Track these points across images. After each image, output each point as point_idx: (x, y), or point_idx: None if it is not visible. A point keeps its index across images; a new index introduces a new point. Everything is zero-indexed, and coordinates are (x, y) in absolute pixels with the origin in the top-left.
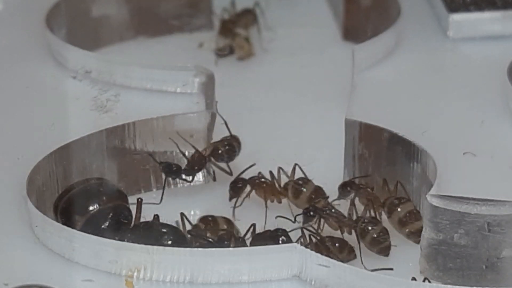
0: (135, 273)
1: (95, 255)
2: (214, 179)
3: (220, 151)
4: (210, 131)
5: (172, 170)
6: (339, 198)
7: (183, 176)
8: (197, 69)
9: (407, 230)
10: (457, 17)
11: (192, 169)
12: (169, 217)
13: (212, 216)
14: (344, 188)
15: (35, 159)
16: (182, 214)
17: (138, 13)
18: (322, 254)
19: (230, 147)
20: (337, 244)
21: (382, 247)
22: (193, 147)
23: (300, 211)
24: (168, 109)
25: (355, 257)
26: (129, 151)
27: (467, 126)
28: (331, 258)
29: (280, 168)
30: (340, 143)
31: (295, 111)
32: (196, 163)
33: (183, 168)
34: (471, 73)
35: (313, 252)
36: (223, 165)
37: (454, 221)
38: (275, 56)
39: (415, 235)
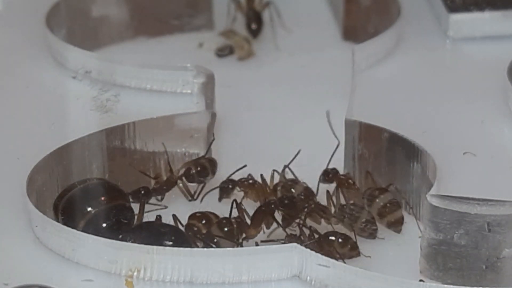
0: (135, 273)
1: (95, 255)
2: (192, 198)
3: (192, 172)
4: (210, 131)
5: (140, 195)
6: (320, 182)
7: (153, 196)
8: (197, 69)
9: (386, 220)
10: (457, 17)
11: (161, 189)
12: (170, 217)
13: (201, 212)
14: (326, 175)
15: (35, 159)
16: (174, 216)
17: (138, 13)
18: (323, 249)
19: (202, 168)
20: (340, 240)
21: (371, 231)
22: (169, 165)
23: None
24: (168, 109)
25: (358, 254)
26: (129, 151)
27: (467, 126)
28: (332, 253)
29: (274, 171)
30: (340, 143)
31: (295, 111)
32: (166, 183)
33: (151, 188)
34: (471, 73)
35: (313, 252)
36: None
37: (454, 221)
38: (275, 56)
39: (395, 225)
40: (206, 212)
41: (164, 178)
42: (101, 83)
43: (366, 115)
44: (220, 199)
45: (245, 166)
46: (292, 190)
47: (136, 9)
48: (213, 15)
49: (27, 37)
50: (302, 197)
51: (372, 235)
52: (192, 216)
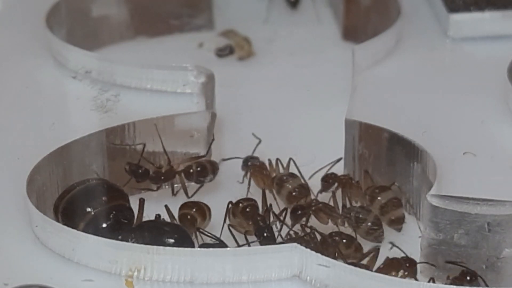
0: (135, 273)
1: (95, 255)
2: (174, 194)
3: (191, 171)
4: (210, 131)
5: (138, 173)
6: (321, 191)
7: (149, 182)
8: (197, 69)
9: (388, 218)
10: (457, 17)
11: (158, 178)
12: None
13: (193, 202)
14: (326, 181)
15: (35, 159)
16: (166, 207)
17: (138, 13)
18: (327, 250)
19: (202, 169)
20: (344, 240)
21: (377, 234)
22: (167, 157)
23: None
24: (168, 109)
25: (362, 256)
26: (129, 151)
27: (467, 126)
28: (337, 254)
29: (277, 160)
30: (340, 143)
31: (295, 111)
32: (165, 174)
33: (150, 174)
34: (471, 73)
35: (313, 252)
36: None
37: (454, 221)
38: (275, 56)
39: (397, 223)
40: (196, 201)
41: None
42: (101, 83)
43: (366, 115)
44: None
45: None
46: (286, 184)
47: (136, 9)
48: (213, 15)
49: (27, 37)
50: (294, 193)
51: (378, 238)
52: (183, 206)
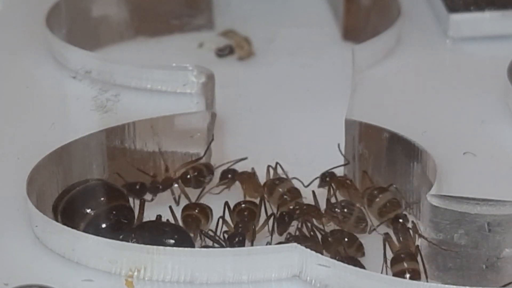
0: (135, 273)
1: (95, 255)
2: (178, 203)
3: (188, 176)
4: (210, 131)
5: (135, 190)
6: (318, 186)
7: (148, 193)
8: (197, 69)
9: (387, 219)
10: (457, 17)
11: (156, 188)
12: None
13: (195, 203)
14: (323, 178)
15: (35, 159)
16: (170, 208)
17: (138, 13)
18: (328, 249)
19: (199, 173)
20: (346, 239)
21: (363, 227)
22: (165, 165)
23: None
24: (168, 109)
25: (363, 255)
26: (129, 151)
27: (467, 126)
28: (337, 253)
29: (269, 166)
30: (340, 143)
31: (295, 111)
32: (162, 183)
33: (148, 185)
34: (471, 73)
35: (313, 252)
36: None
37: (454, 221)
38: (275, 56)
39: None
40: (198, 203)
41: (162, 178)
42: (101, 83)
43: (366, 115)
44: (217, 185)
45: (245, 158)
46: (277, 187)
47: (136, 9)
48: (213, 15)
49: (27, 37)
50: (285, 195)
51: (364, 230)
52: (186, 208)
